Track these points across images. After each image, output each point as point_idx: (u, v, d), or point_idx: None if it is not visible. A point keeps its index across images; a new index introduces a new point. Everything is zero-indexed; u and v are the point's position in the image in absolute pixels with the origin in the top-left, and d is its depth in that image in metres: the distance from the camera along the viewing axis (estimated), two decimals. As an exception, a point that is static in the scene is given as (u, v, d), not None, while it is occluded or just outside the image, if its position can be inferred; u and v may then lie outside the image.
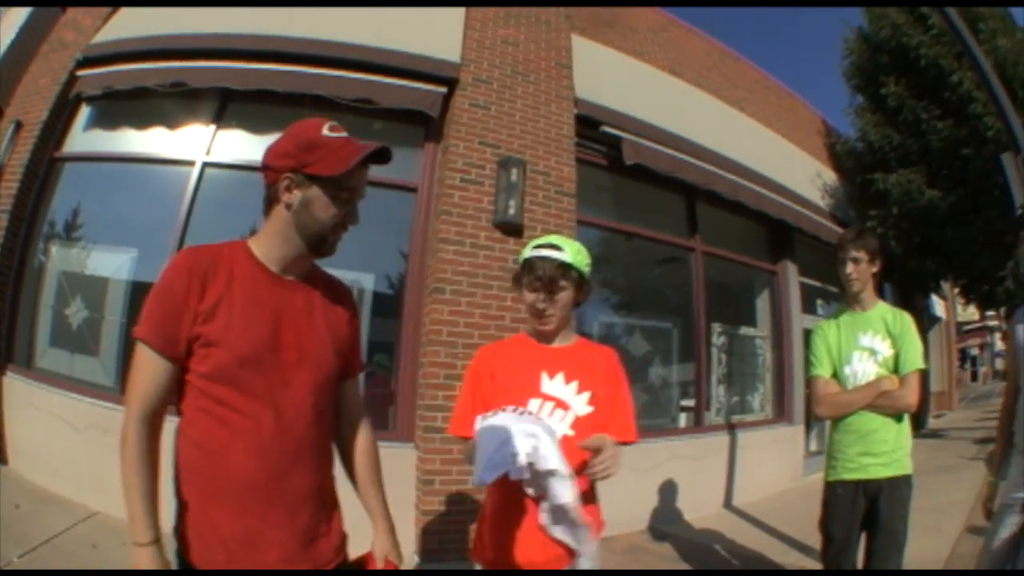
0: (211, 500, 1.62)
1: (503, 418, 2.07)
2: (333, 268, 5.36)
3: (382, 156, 1.78)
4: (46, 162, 6.18)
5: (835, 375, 3.30)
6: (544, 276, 2.26)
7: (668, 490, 6.55)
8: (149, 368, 1.62)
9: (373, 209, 5.66)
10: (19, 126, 6.22)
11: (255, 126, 5.87)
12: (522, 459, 1.94)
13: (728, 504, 7.25)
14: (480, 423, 2.07)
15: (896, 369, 3.17)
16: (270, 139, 1.79)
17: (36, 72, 6.60)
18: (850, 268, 3.26)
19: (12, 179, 5.99)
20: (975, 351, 44.64)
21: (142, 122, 6.17)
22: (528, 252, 2.36)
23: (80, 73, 6.24)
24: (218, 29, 5.96)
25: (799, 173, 10.21)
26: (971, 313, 23.86)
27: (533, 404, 2.23)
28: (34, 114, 6.22)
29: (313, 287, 1.84)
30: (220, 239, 1.79)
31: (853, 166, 12.00)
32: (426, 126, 6.04)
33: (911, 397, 3.11)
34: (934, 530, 5.39)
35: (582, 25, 7.41)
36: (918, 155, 10.88)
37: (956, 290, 16.07)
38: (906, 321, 3.24)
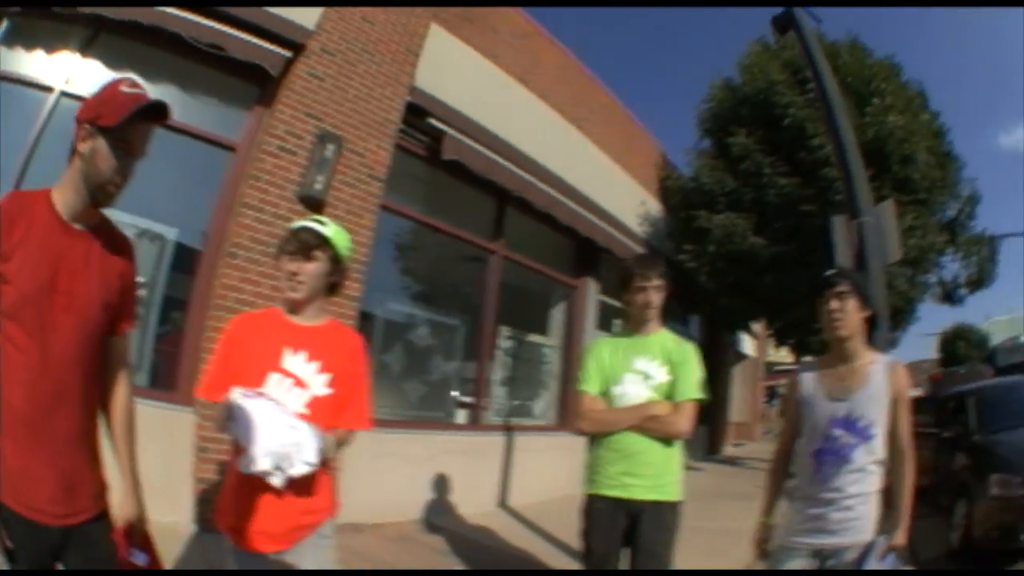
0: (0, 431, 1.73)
1: (265, 407, 2.22)
2: (140, 216, 5.06)
3: (159, 113, 1.91)
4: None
5: (605, 394, 3.24)
6: (302, 242, 2.42)
7: (442, 483, 6.78)
8: None
9: (191, 162, 5.71)
10: None
11: (115, 62, 5.56)
12: (284, 454, 2.18)
13: (503, 503, 7.55)
14: (239, 400, 2.19)
15: (671, 396, 3.17)
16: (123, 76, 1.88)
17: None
18: (653, 295, 3.24)
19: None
20: (785, 390, 47.98)
21: (31, 43, 5.76)
22: (293, 224, 2.53)
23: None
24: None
25: (623, 199, 10.84)
26: (784, 355, 25.62)
27: (273, 378, 2.36)
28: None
29: (96, 238, 1.92)
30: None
31: (679, 203, 12.62)
32: (262, 87, 5.98)
33: (683, 424, 3.12)
34: (723, 554, 5.61)
35: (445, 16, 7.55)
36: (751, 203, 11.63)
37: (769, 332, 17.06)
38: (687, 351, 3.27)
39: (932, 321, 44.59)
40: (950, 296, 13.21)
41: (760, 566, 2.98)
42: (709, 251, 11.81)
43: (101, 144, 1.82)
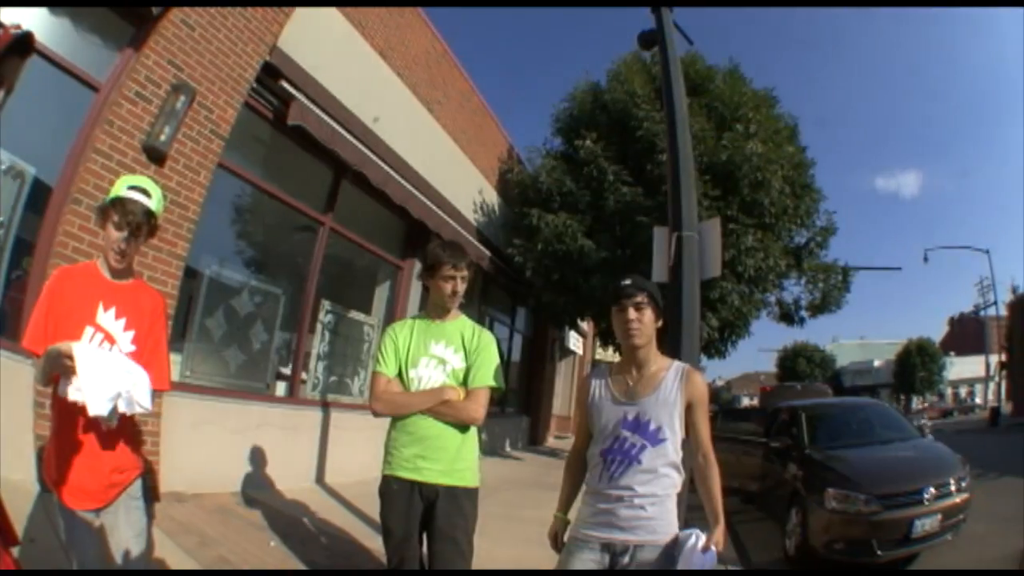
0: None
1: (104, 354, 2.36)
2: (8, 150, 4.71)
3: (26, 45, 1.96)
4: None
5: (401, 376, 3.32)
6: (133, 220, 2.54)
7: (260, 456, 6.80)
8: None
9: (60, 98, 5.34)
10: None
11: None
12: (125, 395, 2.30)
13: (320, 480, 7.65)
14: (80, 353, 2.27)
15: (466, 382, 3.28)
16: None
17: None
18: (460, 285, 3.33)
19: None
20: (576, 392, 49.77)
21: None
22: (121, 190, 2.60)
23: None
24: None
25: (462, 185, 11.16)
26: (611, 355, 26.85)
27: (88, 332, 2.50)
28: None
29: None
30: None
31: (516, 197, 12.99)
32: (139, 28, 5.75)
33: (476, 411, 3.23)
34: (537, 542, 5.87)
35: (326, -21, 7.58)
36: (588, 207, 12.13)
37: (596, 332, 17.66)
38: (484, 339, 3.38)
39: (773, 337, 47.77)
40: (789, 316, 14.17)
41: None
42: (537, 248, 12.21)
43: None
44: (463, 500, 3.22)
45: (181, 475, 5.73)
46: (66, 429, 2.38)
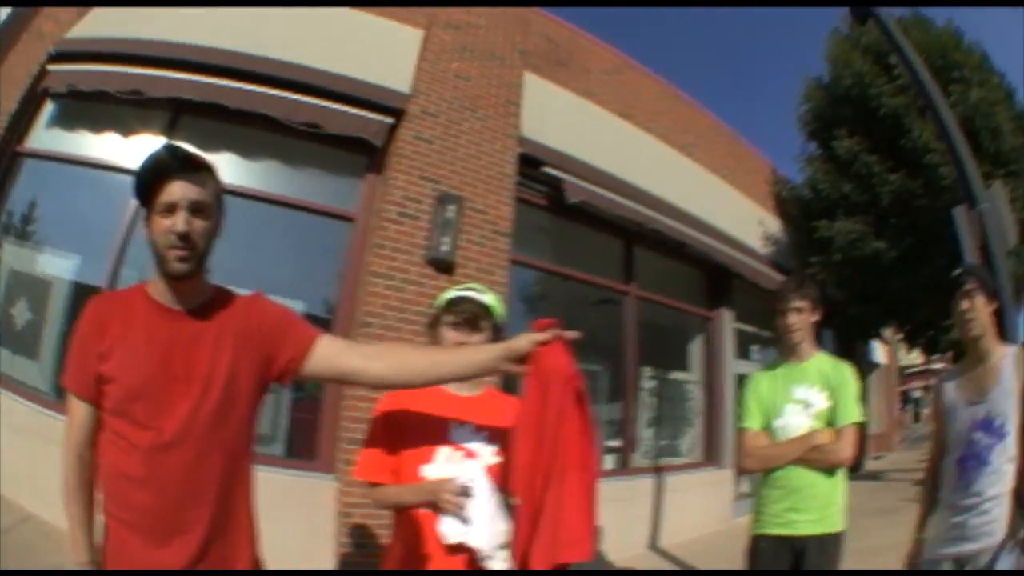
0: (120, 524, 1.66)
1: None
2: (265, 292, 5.23)
3: (177, 162, 1.73)
4: (8, 155, 6.12)
5: (767, 427, 3.13)
6: (468, 309, 2.30)
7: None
8: (74, 411, 1.73)
9: (309, 235, 5.61)
10: None
11: (203, 142, 5.77)
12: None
13: (654, 545, 7.19)
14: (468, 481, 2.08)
15: (831, 422, 3.00)
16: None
17: (14, 61, 6.54)
18: (792, 318, 3.12)
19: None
20: (918, 393, 44.94)
21: (99, 126, 6.08)
22: (450, 294, 2.40)
23: (51, 68, 6.16)
24: (180, 38, 5.94)
25: (742, 219, 10.34)
26: (915, 357, 24.38)
27: (443, 452, 2.22)
28: (6, 104, 6.16)
29: (209, 313, 1.79)
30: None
31: (798, 213, 12.12)
32: (370, 156, 6.01)
33: (846, 451, 2.95)
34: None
35: (536, 63, 7.45)
36: (866, 205, 11.02)
37: (899, 336, 16.20)
38: (845, 372, 3.10)
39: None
40: None
41: None
42: (835, 260, 11.19)
43: (151, 219, 1.70)
44: (830, 546, 2.95)
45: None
46: (420, 547, 2.13)
